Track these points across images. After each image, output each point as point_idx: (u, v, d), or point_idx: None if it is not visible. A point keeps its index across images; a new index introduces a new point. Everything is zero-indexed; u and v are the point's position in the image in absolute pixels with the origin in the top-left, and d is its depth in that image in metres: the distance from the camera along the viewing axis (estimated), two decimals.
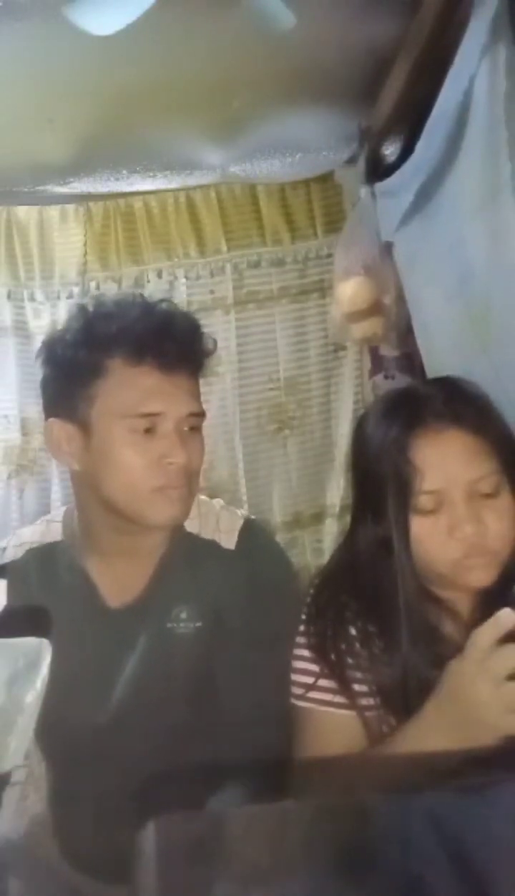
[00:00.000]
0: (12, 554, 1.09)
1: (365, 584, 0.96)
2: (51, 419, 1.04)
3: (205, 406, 1.05)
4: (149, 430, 0.98)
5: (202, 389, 1.06)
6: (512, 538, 0.91)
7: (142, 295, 1.09)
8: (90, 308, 1.04)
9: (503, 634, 0.75)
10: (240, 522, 1.09)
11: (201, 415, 1.03)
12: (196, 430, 1.03)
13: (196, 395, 1.03)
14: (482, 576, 0.90)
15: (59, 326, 2.24)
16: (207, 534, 1.08)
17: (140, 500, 0.98)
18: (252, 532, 1.09)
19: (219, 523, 1.09)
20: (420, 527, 0.91)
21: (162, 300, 1.07)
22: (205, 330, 1.06)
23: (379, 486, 0.93)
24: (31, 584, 1.06)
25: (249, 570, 1.05)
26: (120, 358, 0.98)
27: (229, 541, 1.07)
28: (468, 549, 0.89)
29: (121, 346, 0.98)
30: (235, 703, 0.99)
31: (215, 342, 1.07)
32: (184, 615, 1.04)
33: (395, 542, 0.91)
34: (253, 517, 1.14)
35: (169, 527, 1.04)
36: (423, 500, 0.90)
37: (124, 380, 0.98)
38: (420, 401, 0.97)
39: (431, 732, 0.82)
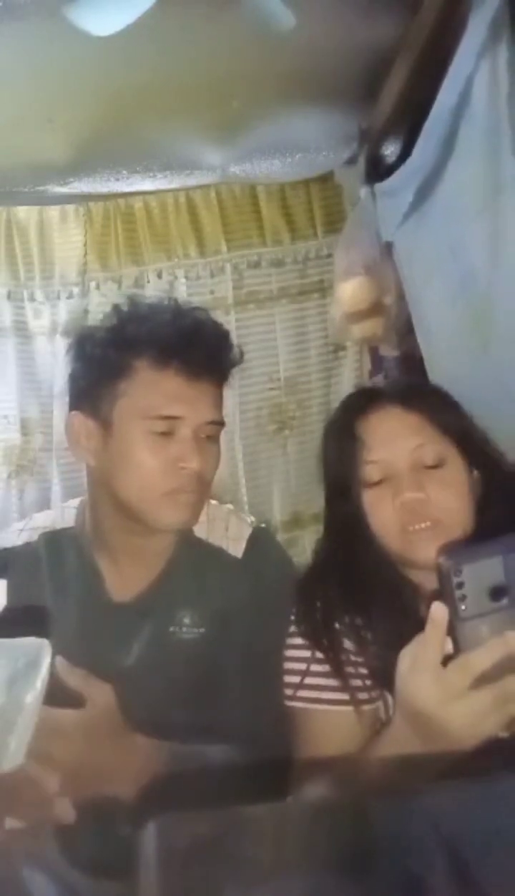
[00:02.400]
0: (27, 536, 1.11)
1: (343, 566, 0.98)
2: (73, 412, 1.05)
3: None
4: (167, 434, 0.99)
5: None
6: (460, 511, 0.94)
7: (176, 300, 1.10)
8: (124, 308, 1.06)
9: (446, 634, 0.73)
10: (249, 530, 1.10)
11: (220, 423, 1.05)
12: (213, 438, 1.04)
13: (218, 403, 1.04)
14: (429, 548, 0.90)
15: (60, 327, 2.25)
16: (215, 540, 1.08)
17: (151, 502, 0.99)
18: (260, 541, 1.10)
19: (227, 530, 1.09)
20: (368, 498, 0.95)
21: (196, 307, 1.08)
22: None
23: (336, 466, 0.98)
24: (41, 568, 1.07)
25: (256, 580, 1.06)
26: (147, 360, 1.00)
27: (237, 549, 1.07)
28: (409, 517, 0.92)
29: (149, 348, 1.00)
30: (237, 710, 0.99)
31: (242, 353, 1.08)
32: (187, 620, 1.04)
33: (353, 515, 0.95)
34: (262, 525, 1.15)
35: (176, 530, 1.04)
36: (369, 470, 0.95)
37: (149, 382, 1.00)
38: (372, 390, 1.08)
39: (406, 743, 0.80)
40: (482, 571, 0.72)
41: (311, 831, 0.59)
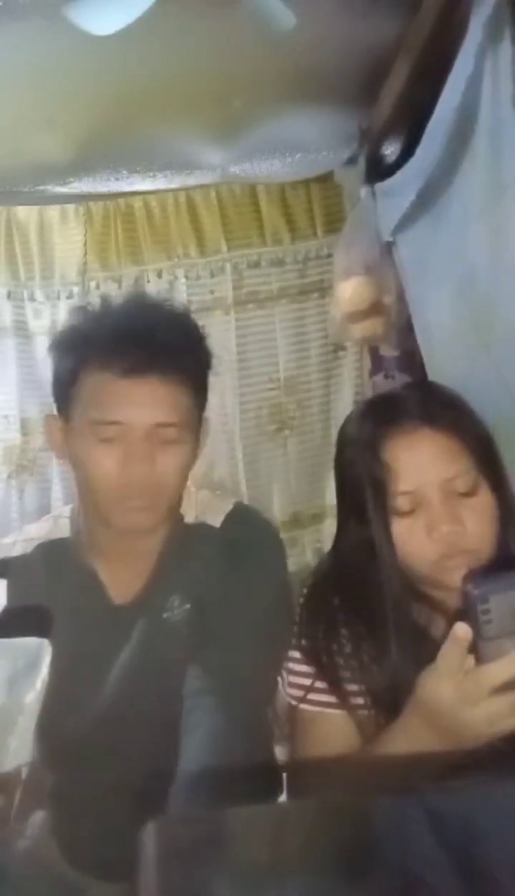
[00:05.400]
0: (21, 548, 1.10)
1: (354, 586, 0.96)
2: (49, 414, 1.06)
3: None
4: (112, 439, 0.96)
5: None
6: (492, 537, 0.91)
7: (141, 295, 1.08)
8: (83, 311, 1.04)
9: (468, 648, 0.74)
10: (230, 506, 1.10)
11: (176, 425, 0.98)
12: (174, 441, 0.98)
13: (172, 404, 0.98)
14: (463, 574, 0.89)
15: (59, 326, 2.25)
16: (200, 519, 1.08)
17: (107, 507, 0.98)
18: (239, 511, 1.10)
19: (209, 507, 1.10)
20: (398, 528, 0.91)
21: (161, 302, 1.06)
22: (204, 331, 1.04)
23: (358, 489, 0.93)
24: (40, 579, 1.07)
25: (234, 543, 1.05)
26: (92, 363, 0.97)
27: (216, 520, 1.07)
28: (446, 550, 0.88)
29: (92, 351, 0.97)
30: (222, 673, 0.98)
31: (210, 352, 1.04)
32: (176, 602, 1.04)
33: (378, 544, 0.91)
34: (243, 502, 1.15)
35: (135, 532, 1.03)
36: (400, 502, 0.90)
37: (93, 386, 0.97)
38: (393, 403, 0.98)
39: (414, 740, 0.82)
40: (508, 599, 0.72)
41: (311, 831, 0.59)
